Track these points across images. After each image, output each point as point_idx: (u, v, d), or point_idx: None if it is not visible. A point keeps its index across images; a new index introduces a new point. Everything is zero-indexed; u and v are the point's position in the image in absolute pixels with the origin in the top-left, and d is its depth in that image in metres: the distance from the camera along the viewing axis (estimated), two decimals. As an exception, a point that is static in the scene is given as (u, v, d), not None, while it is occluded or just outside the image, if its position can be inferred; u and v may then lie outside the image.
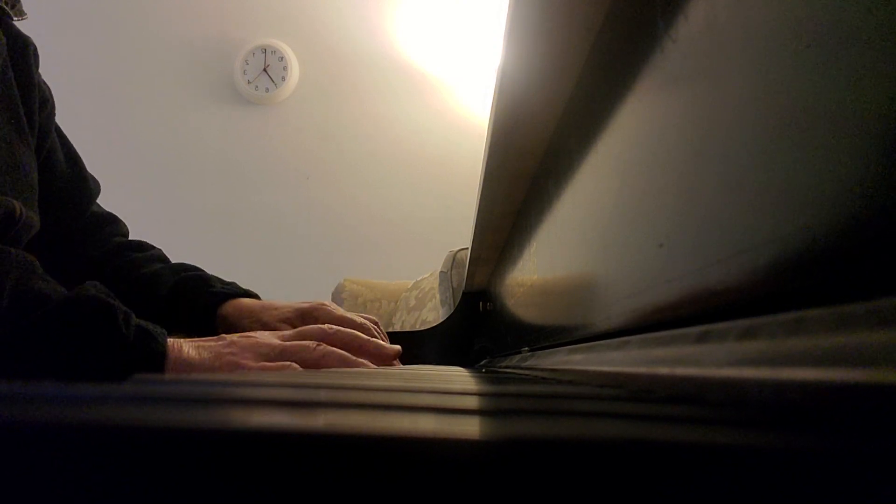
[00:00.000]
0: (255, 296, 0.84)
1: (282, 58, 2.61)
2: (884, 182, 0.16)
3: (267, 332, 0.66)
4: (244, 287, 0.86)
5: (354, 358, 0.66)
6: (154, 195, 2.58)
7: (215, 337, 0.62)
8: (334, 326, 0.70)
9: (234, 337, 0.63)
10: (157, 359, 0.56)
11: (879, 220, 0.16)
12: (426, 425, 0.13)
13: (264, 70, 2.61)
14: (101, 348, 0.54)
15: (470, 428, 0.12)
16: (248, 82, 2.61)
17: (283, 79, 2.61)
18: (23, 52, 0.78)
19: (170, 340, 0.59)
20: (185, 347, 0.59)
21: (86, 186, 0.90)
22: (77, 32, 2.53)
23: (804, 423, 0.15)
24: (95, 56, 2.60)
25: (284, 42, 2.62)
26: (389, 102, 2.60)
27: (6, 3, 0.76)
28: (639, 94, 0.34)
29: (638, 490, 0.10)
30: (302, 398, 0.18)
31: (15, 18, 0.78)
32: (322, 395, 0.19)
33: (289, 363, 0.60)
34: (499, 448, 0.11)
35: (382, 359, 0.72)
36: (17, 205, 0.67)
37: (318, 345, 0.64)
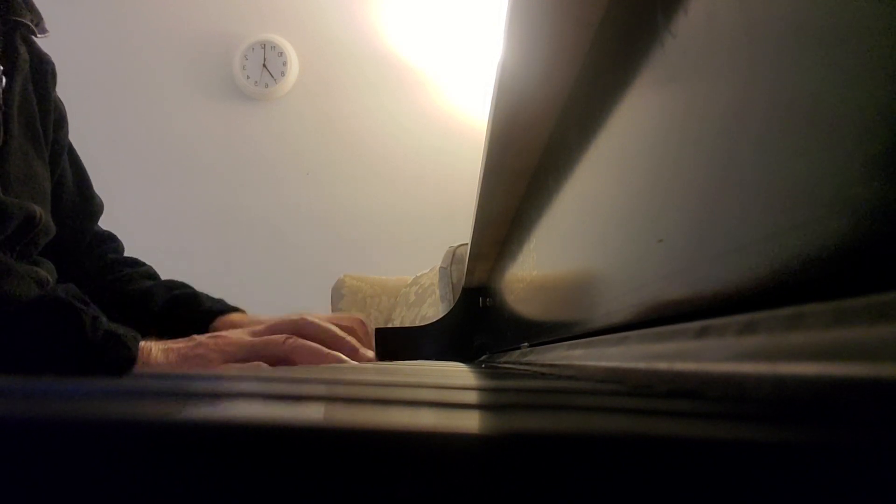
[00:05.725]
0: (243, 312, 0.87)
1: (281, 53, 2.60)
2: (883, 178, 0.16)
3: (238, 331, 0.65)
4: (232, 303, 0.88)
5: (327, 350, 0.63)
6: (153, 191, 2.58)
7: (185, 338, 0.61)
8: (309, 319, 0.68)
9: (203, 338, 0.62)
10: (125, 364, 0.56)
11: (878, 216, 0.16)
12: (426, 420, 0.13)
13: (263, 65, 2.60)
14: (66, 351, 0.54)
15: (470, 422, 0.12)
16: (248, 78, 2.60)
17: (283, 74, 2.60)
18: (42, 70, 0.83)
19: (141, 344, 0.58)
20: (154, 351, 0.58)
21: (91, 212, 0.94)
22: (73, 27, 2.52)
23: (803, 417, 0.15)
24: (92, 51, 2.60)
25: (284, 37, 2.62)
26: (389, 98, 2.59)
27: (32, 21, 0.80)
28: (639, 89, 0.34)
29: (638, 484, 0.10)
30: (301, 392, 0.18)
31: (39, 36, 0.82)
32: (321, 390, 0.19)
33: (256, 363, 0.59)
34: (499, 442, 0.11)
35: (357, 359, 0.69)
36: (38, 209, 0.69)
37: (287, 338, 0.61)
